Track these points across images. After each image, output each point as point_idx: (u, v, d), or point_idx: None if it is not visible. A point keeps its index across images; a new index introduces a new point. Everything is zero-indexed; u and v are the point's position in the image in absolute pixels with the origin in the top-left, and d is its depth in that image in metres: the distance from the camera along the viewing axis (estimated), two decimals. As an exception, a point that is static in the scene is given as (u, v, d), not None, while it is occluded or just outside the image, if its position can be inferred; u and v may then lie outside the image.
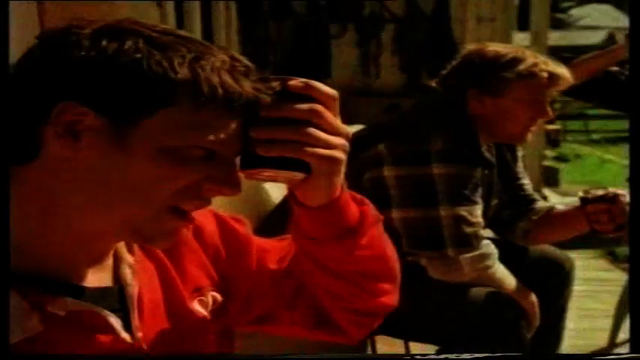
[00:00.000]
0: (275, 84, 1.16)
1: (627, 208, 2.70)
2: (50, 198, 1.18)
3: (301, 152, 1.16)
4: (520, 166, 3.07)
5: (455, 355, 1.39)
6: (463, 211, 2.61)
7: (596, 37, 31.19)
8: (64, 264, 1.22)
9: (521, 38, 8.81)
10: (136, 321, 1.27)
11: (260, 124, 1.16)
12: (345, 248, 1.34)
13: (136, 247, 1.32)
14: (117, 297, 1.26)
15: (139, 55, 1.10)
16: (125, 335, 1.23)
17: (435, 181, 2.58)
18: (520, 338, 2.60)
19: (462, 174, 2.62)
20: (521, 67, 2.65)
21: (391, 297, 1.48)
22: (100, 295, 1.23)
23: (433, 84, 2.81)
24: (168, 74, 1.11)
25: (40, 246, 1.19)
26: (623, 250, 4.02)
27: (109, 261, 1.29)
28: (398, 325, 2.53)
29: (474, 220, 2.63)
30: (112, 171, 1.14)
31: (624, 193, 2.75)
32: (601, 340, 3.95)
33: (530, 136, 2.82)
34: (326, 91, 1.19)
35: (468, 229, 2.61)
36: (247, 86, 1.13)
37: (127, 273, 1.29)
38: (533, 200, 3.05)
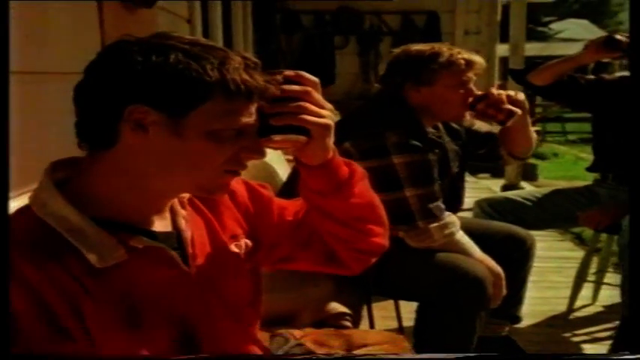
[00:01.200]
0: (278, 76, 1.36)
1: (503, 96, 2.83)
2: (131, 172, 1.34)
3: (301, 120, 1.36)
4: (469, 123, 3.15)
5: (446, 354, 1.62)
6: (424, 190, 2.69)
7: (574, 49, 30.78)
8: (139, 215, 1.39)
9: (503, 49, 8.80)
10: (188, 256, 1.44)
11: (270, 102, 1.35)
12: (341, 197, 1.52)
13: (186, 203, 1.49)
14: (175, 239, 1.44)
15: (181, 66, 1.26)
16: (183, 266, 1.41)
17: (397, 169, 2.67)
18: (485, 295, 2.65)
19: (417, 160, 2.69)
20: (442, 58, 2.74)
21: (382, 238, 1.65)
22: (164, 237, 1.41)
23: (376, 85, 2.93)
24: (204, 78, 1.27)
25: (124, 203, 1.36)
26: (588, 233, 4.14)
27: (168, 214, 1.45)
28: (387, 286, 2.78)
29: (434, 195, 2.71)
30: (174, 151, 1.31)
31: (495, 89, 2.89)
32: (562, 307, 4.00)
33: (467, 115, 2.93)
34: (311, 78, 1.39)
35: (431, 204, 2.69)
36: (260, 79, 1.31)
37: (182, 222, 1.46)
38: (491, 133, 3.16)
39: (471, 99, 2.79)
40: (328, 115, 1.40)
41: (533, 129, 3.23)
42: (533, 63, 3.80)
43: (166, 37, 1.35)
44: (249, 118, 1.34)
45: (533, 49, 27.80)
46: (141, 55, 1.28)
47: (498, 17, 8.76)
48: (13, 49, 1.33)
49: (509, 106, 2.83)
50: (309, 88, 1.39)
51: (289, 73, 1.39)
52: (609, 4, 53.47)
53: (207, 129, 1.30)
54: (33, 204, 1.32)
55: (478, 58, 2.82)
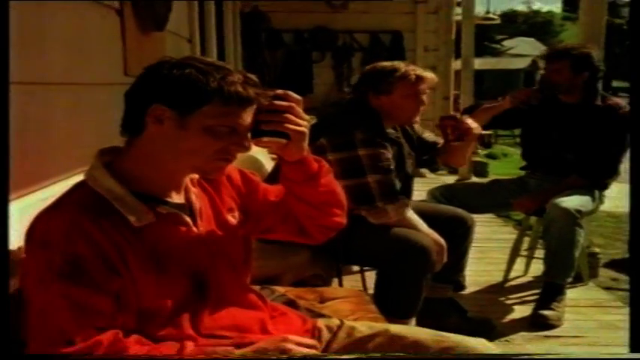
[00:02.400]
0: (271, 93, 1.54)
1: (468, 125, 3.09)
2: (152, 155, 1.51)
3: (284, 127, 1.53)
4: (418, 131, 3.26)
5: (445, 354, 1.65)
6: (382, 177, 2.82)
7: (522, 63, 30.66)
8: (162, 189, 1.56)
9: (457, 64, 8.89)
10: (197, 222, 1.60)
11: (264, 112, 1.52)
12: (311, 186, 1.69)
13: (196, 183, 1.65)
14: (187, 209, 1.60)
15: (191, 78, 1.44)
16: (193, 227, 1.58)
17: (361, 159, 2.80)
18: (429, 261, 2.77)
19: (378, 153, 2.82)
20: (397, 73, 2.88)
21: (341, 218, 1.81)
22: (180, 207, 1.58)
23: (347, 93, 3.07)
24: (206, 87, 1.44)
25: (150, 180, 1.53)
26: (527, 218, 4.30)
27: (183, 190, 1.61)
28: (352, 255, 2.92)
29: (390, 182, 2.83)
30: (180, 140, 1.47)
31: (465, 118, 3.16)
32: (500, 277, 4.18)
33: (417, 119, 3.07)
34: (295, 96, 1.56)
35: (388, 188, 2.82)
36: (252, 92, 1.47)
37: (193, 197, 1.63)
38: (436, 143, 3.29)
39: (443, 114, 3.00)
40: (305, 125, 1.57)
41: (485, 132, 3.44)
42: (474, 105, 4.10)
43: (191, 59, 1.53)
44: (240, 120, 1.49)
45: (488, 63, 27.98)
46: (167, 69, 1.47)
47: (453, 36, 8.88)
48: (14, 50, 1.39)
49: (462, 132, 3.05)
50: (293, 104, 1.55)
51: (280, 92, 1.56)
52: (553, 25, 53.65)
53: (205, 125, 1.46)
54: (88, 179, 1.50)
55: (429, 74, 2.95)
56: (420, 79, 2.91)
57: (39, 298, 1.39)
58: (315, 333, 1.74)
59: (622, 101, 3.90)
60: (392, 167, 2.87)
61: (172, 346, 1.44)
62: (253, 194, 1.78)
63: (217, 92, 1.45)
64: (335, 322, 1.81)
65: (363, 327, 1.78)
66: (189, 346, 1.45)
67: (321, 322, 1.80)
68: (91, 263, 1.39)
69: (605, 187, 3.82)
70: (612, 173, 3.77)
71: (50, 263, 1.38)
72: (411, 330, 1.78)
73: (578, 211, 3.51)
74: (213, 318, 1.59)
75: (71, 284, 1.37)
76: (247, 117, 1.50)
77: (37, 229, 1.43)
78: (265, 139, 1.55)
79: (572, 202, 3.54)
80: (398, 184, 2.88)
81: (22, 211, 1.62)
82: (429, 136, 3.31)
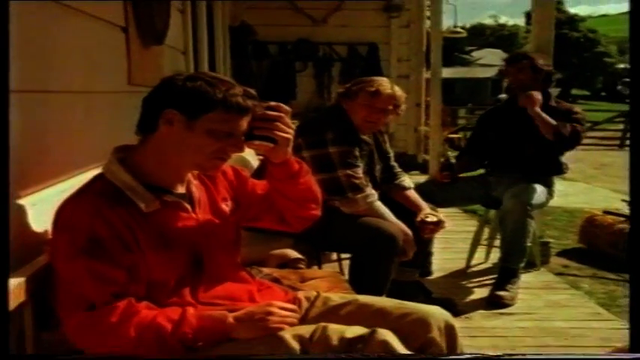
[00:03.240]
0: (265, 104, 1.64)
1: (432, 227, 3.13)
2: (161, 152, 1.61)
3: (273, 133, 1.65)
4: (388, 148, 3.31)
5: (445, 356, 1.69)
6: (351, 172, 2.91)
7: (490, 72, 30.67)
8: (167, 182, 1.66)
9: (429, 73, 8.64)
10: (196, 209, 1.70)
11: (258, 120, 1.63)
12: (292, 184, 1.79)
13: (196, 177, 1.74)
14: (188, 198, 1.70)
15: (201, 89, 1.56)
16: (192, 214, 1.68)
17: (332, 156, 2.89)
18: (396, 247, 2.84)
19: (346, 150, 2.92)
20: (363, 83, 3.01)
21: (317, 211, 1.92)
22: (182, 196, 1.68)
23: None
24: (212, 97, 1.56)
25: (158, 173, 1.63)
26: (487, 212, 4.43)
27: (185, 182, 1.71)
28: (328, 242, 2.99)
29: (358, 175, 2.93)
30: (186, 140, 1.59)
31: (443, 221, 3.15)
32: (462, 264, 4.35)
33: (373, 128, 3.09)
34: (284, 107, 1.67)
35: (356, 181, 2.91)
36: (249, 104, 1.59)
37: (193, 188, 1.73)
38: (396, 173, 3.32)
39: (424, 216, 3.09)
40: (290, 132, 1.69)
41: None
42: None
43: (200, 73, 1.66)
44: (238, 126, 1.61)
45: (458, 72, 28.05)
46: (181, 80, 1.60)
47: (424, 48, 8.96)
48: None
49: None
50: (282, 114, 1.66)
51: (273, 104, 1.67)
52: (517, 37, 53.88)
53: (209, 128, 1.58)
54: (105, 172, 1.62)
55: (387, 92, 2.99)
56: (377, 93, 2.98)
57: (65, 271, 1.51)
58: (295, 302, 1.81)
59: (575, 107, 4.10)
60: (359, 164, 2.95)
61: (176, 310, 1.55)
62: (243, 187, 1.88)
63: (222, 102, 1.57)
64: (313, 293, 1.90)
65: (336, 297, 1.89)
66: (190, 310, 1.56)
67: (300, 294, 1.90)
68: (108, 242, 1.51)
69: (552, 181, 3.98)
70: (561, 169, 3.96)
71: (74, 242, 1.49)
72: (376, 299, 1.88)
73: (530, 204, 3.69)
74: (210, 289, 1.69)
75: (92, 259, 1.48)
76: (244, 123, 1.62)
77: (62, 214, 1.55)
78: (257, 142, 1.67)
79: (524, 196, 3.71)
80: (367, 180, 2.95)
81: (45, 201, 1.72)
82: (391, 158, 3.36)
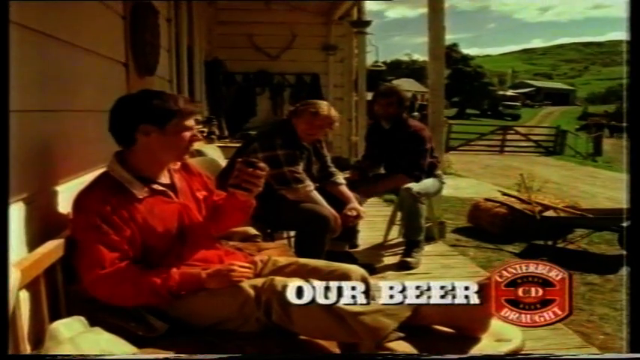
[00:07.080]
0: (253, 160, 1.73)
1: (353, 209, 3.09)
2: (147, 154, 1.66)
3: (250, 187, 1.74)
4: (325, 152, 3.26)
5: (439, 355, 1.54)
6: (294, 168, 2.93)
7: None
8: (154, 174, 1.72)
9: (356, 96, 8.95)
10: (178, 196, 1.75)
11: (245, 173, 1.70)
12: (238, 210, 1.82)
13: (178, 170, 1.79)
14: (171, 187, 1.75)
15: (163, 105, 1.63)
16: (175, 200, 1.72)
17: (280, 157, 2.90)
18: (328, 225, 2.87)
19: (291, 153, 2.93)
20: (304, 106, 3.00)
21: (244, 220, 1.94)
22: (167, 185, 1.73)
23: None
24: (172, 108, 1.63)
25: (147, 168, 1.69)
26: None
27: (168, 174, 1.75)
28: (278, 222, 2.98)
29: (299, 171, 2.95)
30: (162, 142, 1.65)
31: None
32: (380, 239, 4.34)
33: (311, 139, 3.02)
34: (265, 168, 1.73)
35: (298, 175, 2.93)
36: (194, 106, 1.68)
37: (176, 179, 1.77)
38: (332, 172, 3.27)
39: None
40: (261, 185, 1.74)
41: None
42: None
43: (147, 91, 1.69)
44: (192, 123, 1.68)
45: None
46: (141, 100, 1.65)
47: (353, 77, 9.02)
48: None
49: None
50: (263, 173, 1.73)
51: (261, 165, 1.73)
52: (426, 70, 54.51)
53: (176, 129, 1.65)
54: (108, 170, 1.66)
55: (324, 113, 2.97)
56: (316, 114, 2.97)
57: (82, 241, 1.57)
58: (252, 263, 1.84)
59: (421, 124, 4.12)
60: (300, 163, 2.98)
61: (165, 270, 1.62)
62: (209, 186, 1.93)
63: (179, 110, 1.64)
64: (265, 257, 1.95)
65: (282, 259, 1.94)
66: (174, 269, 1.64)
67: (256, 258, 1.95)
68: (112, 219, 1.57)
69: (420, 179, 3.90)
70: (422, 171, 3.92)
71: (87, 219, 1.56)
72: (311, 261, 1.94)
73: (419, 193, 3.76)
74: (189, 254, 1.74)
75: (101, 232, 1.55)
76: (193, 120, 1.69)
77: (79, 199, 1.61)
78: (238, 190, 1.75)
79: (415, 186, 3.79)
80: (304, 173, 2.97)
81: (71, 189, 1.75)
82: (328, 159, 3.32)
